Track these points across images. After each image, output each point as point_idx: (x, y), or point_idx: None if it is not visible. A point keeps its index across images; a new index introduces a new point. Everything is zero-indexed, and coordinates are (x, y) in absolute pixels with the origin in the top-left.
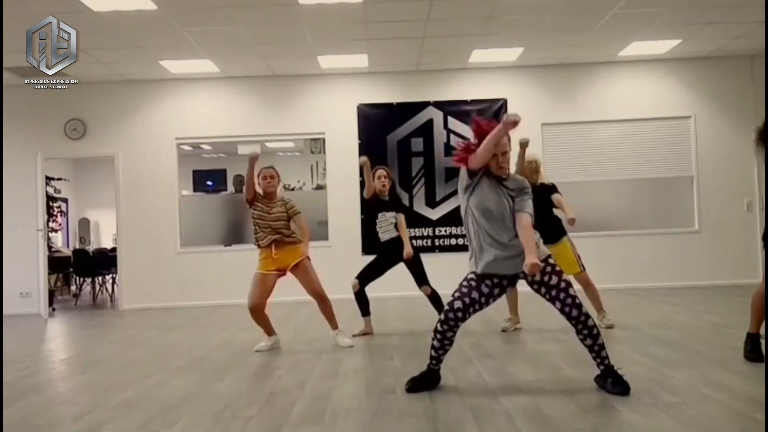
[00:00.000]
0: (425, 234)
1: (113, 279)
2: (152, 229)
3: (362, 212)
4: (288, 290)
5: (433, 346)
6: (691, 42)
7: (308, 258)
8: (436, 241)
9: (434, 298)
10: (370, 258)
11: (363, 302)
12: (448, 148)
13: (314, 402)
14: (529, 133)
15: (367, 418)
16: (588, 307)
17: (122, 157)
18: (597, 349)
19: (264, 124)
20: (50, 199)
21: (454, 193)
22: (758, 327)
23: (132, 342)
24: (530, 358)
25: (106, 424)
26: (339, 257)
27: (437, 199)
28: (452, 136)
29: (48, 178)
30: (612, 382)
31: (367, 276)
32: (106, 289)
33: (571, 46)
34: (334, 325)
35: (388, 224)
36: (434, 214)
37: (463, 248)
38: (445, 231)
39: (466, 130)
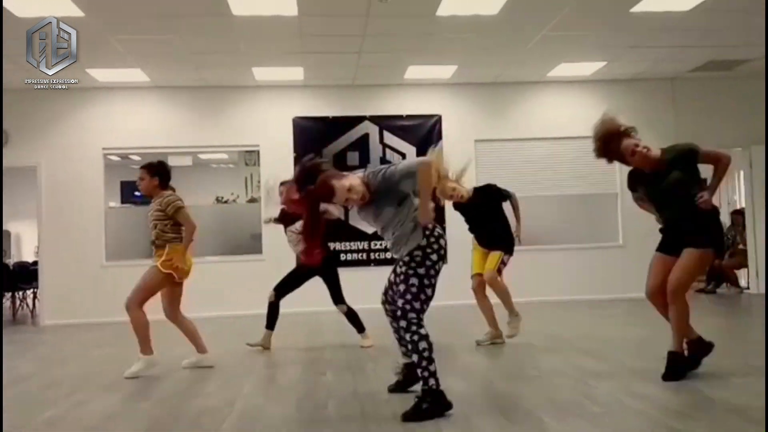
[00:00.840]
0: (360, 248)
1: (34, 294)
2: (76, 241)
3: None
4: (222, 305)
5: (425, 362)
6: (616, 64)
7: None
8: (371, 254)
9: (351, 315)
10: None
11: (273, 315)
12: (384, 163)
13: (244, 420)
14: (463, 149)
15: None
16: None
17: (45, 167)
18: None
19: (197, 135)
20: None
21: None
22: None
23: (54, 359)
24: (462, 370)
25: None
26: (272, 271)
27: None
28: (388, 150)
29: None
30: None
31: (284, 288)
32: (27, 305)
33: (503, 66)
34: (141, 349)
35: (293, 239)
36: (369, 227)
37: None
38: (380, 245)
39: (402, 145)
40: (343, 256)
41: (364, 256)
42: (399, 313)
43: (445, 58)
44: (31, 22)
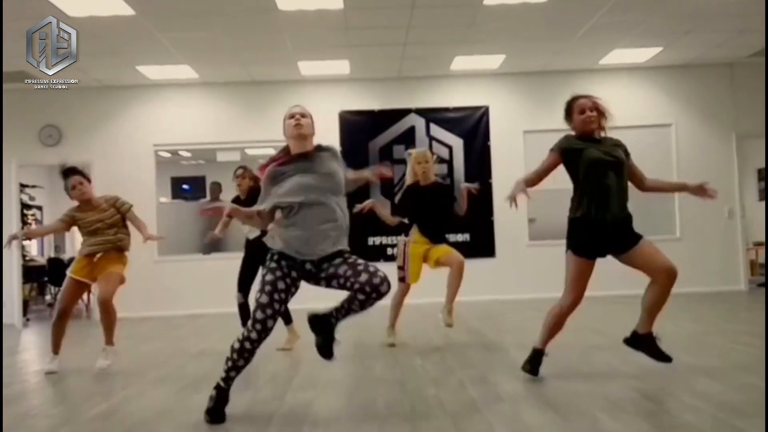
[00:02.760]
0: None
1: (88, 289)
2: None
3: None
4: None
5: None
6: (671, 50)
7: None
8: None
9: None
10: None
11: (245, 314)
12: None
13: (293, 413)
14: (510, 141)
15: (347, 429)
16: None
17: (98, 164)
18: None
19: (244, 130)
20: (24, 206)
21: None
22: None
23: None
24: (511, 367)
25: None
26: None
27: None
28: (434, 143)
29: (22, 186)
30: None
31: (246, 284)
32: (81, 299)
33: (552, 54)
34: (106, 341)
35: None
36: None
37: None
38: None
39: (449, 137)
40: (389, 251)
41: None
42: (386, 287)
43: (493, 48)
44: (83, 21)
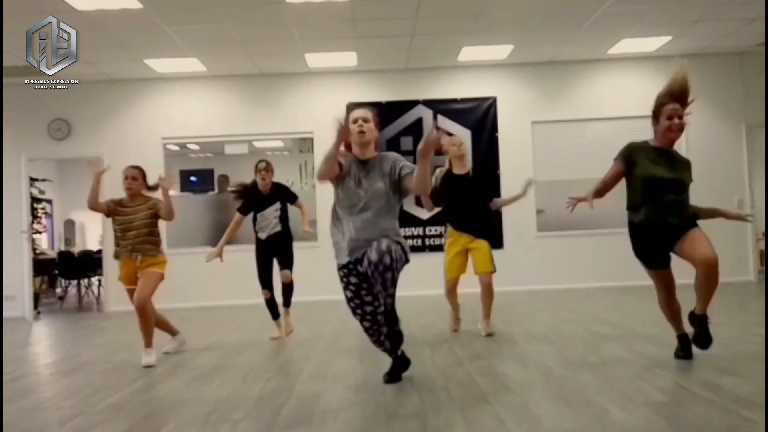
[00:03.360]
0: (415, 234)
1: (99, 281)
2: None
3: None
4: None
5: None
6: (681, 39)
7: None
8: (426, 240)
9: (289, 287)
10: None
11: (274, 307)
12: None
13: (303, 404)
14: (519, 131)
15: (356, 420)
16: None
17: (107, 158)
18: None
19: (252, 123)
20: (34, 200)
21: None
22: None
23: (118, 345)
24: (520, 358)
25: (93, 429)
26: (328, 257)
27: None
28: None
29: (32, 179)
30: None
31: (267, 280)
32: (92, 292)
33: (560, 44)
34: (146, 343)
35: (268, 222)
36: (424, 213)
37: (440, 248)
38: (435, 230)
39: (457, 129)
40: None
41: (420, 242)
42: (388, 309)
43: (501, 38)
44: (91, 15)
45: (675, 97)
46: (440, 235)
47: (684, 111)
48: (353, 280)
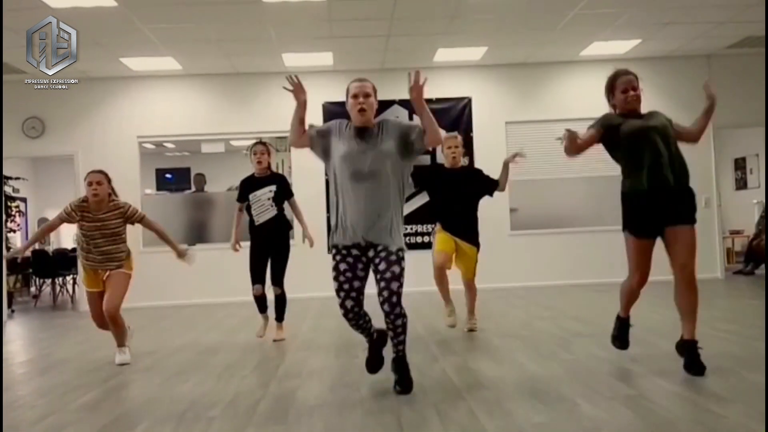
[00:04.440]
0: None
1: (74, 280)
2: None
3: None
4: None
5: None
6: (650, 42)
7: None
8: (411, 238)
9: (281, 300)
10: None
11: (263, 303)
12: None
13: (278, 401)
14: (493, 131)
15: (332, 417)
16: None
17: (82, 156)
18: (395, 342)
19: (228, 121)
20: (8, 198)
21: (421, 190)
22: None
23: (93, 344)
24: (493, 354)
25: (67, 427)
26: (304, 256)
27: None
28: None
29: (6, 177)
30: (397, 377)
31: (260, 274)
32: (67, 290)
33: (534, 46)
34: (119, 344)
35: (261, 204)
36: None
37: (428, 246)
38: (411, 228)
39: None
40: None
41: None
42: (395, 299)
43: (475, 40)
44: (65, 12)
45: (621, 72)
46: (416, 233)
47: (637, 82)
48: (349, 260)
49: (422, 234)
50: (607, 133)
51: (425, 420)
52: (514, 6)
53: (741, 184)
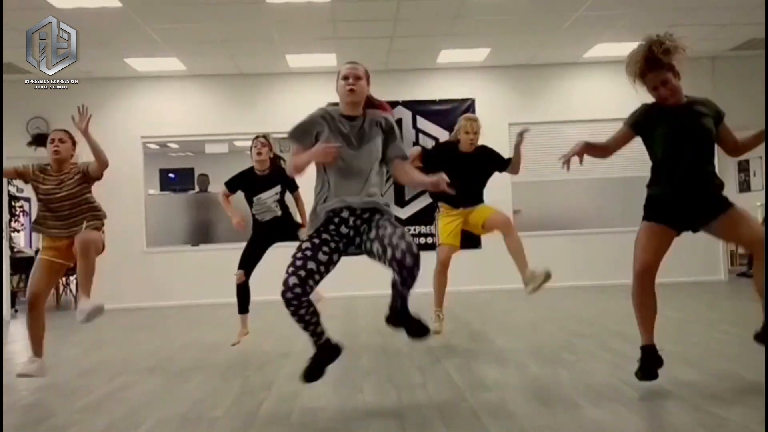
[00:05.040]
0: None
1: (77, 280)
2: (118, 228)
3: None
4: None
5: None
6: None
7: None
8: None
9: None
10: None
11: (246, 297)
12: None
13: (282, 402)
14: (496, 133)
15: (335, 418)
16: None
17: (86, 157)
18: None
19: (232, 122)
20: (12, 198)
21: (424, 192)
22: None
23: (96, 343)
24: (496, 355)
25: (70, 427)
26: None
27: (406, 198)
28: (421, 135)
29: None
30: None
31: (249, 262)
32: (70, 290)
33: (537, 47)
34: (86, 292)
35: (266, 207)
36: (404, 213)
37: (432, 247)
38: (415, 230)
39: (436, 130)
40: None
41: None
42: (415, 250)
43: (478, 41)
44: (70, 13)
45: (650, 65)
46: (419, 234)
47: (669, 74)
48: (323, 236)
49: (424, 235)
50: (640, 131)
51: (428, 421)
52: (517, 7)
53: (744, 186)
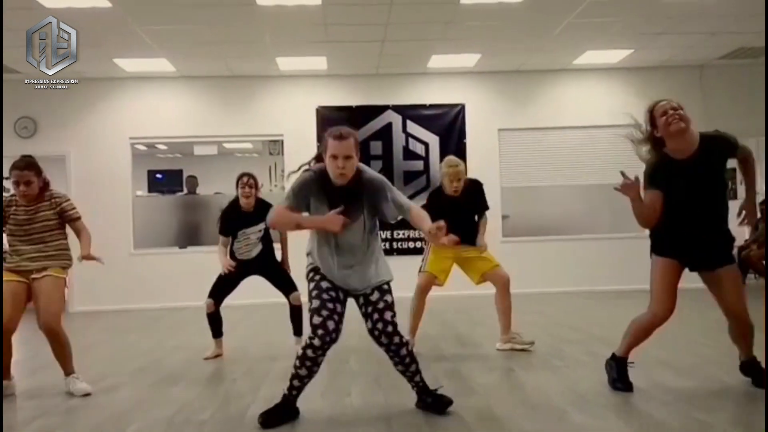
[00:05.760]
0: (383, 237)
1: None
2: (105, 229)
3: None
4: (243, 293)
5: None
6: (643, 52)
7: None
8: (394, 244)
9: (299, 311)
10: None
11: (217, 323)
12: (407, 152)
13: (268, 406)
14: (486, 138)
15: (322, 422)
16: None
17: (74, 157)
18: (410, 375)
19: (222, 124)
20: None
21: (413, 196)
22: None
23: (83, 345)
24: (484, 360)
25: (56, 429)
26: (296, 260)
27: None
28: (411, 139)
29: None
30: (432, 403)
31: (220, 293)
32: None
33: (528, 54)
34: (68, 370)
35: (250, 242)
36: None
37: (420, 251)
38: (404, 234)
39: (425, 134)
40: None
41: (387, 245)
42: (398, 339)
43: (469, 47)
44: (59, 12)
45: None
46: (408, 239)
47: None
48: (325, 284)
49: (413, 240)
50: (661, 186)
51: (415, 426)
52: (508, 14)
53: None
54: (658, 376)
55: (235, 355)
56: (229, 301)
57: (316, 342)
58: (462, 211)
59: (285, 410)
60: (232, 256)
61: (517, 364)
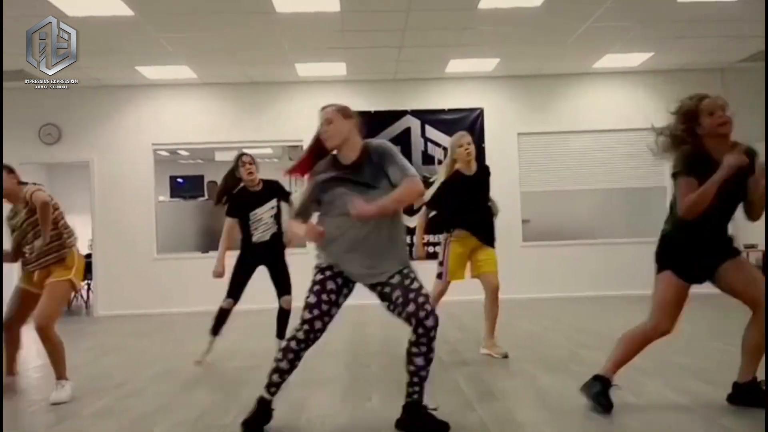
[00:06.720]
0: None
1: (88, 285)
2: (128, 235)
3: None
4: (265, 298)
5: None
6: (663, 55)
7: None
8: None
9: (287, 315)
10: None
11: (223, 321)
12: (426, 157)
13: (290, 410)
14: (505, 142)
15: (343, 426)
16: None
17: (98, 163)
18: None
19: (242, 130)
20: None
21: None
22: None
23: (107, 349)
24: (504, 365)
25: None
26: (302, 264)
27: (415, 207)
28: (430, 144)
29: (22, 183)
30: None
31: (238, 290)
32: (81, 296)
33: (546, 58)
34: (58, 374)
35: (264, 223)
36: (412, 221)
37: (434, 256)
38: (424, 239)
39: (444, 139)
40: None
41: (408, 250)
42: (432, 321)
43: (487, 51)
44: (82, 21)
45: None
46: (428, 243)
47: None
48: (338, 281)
49: (432, 244)
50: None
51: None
52: (525, 19)
53: None
54: (681, 382)
55: (257, 358)
56: (248, 305)
57: (301, 335)
58: (481, 190)
59: (265, 413)
60: (247, 242)
61: (538, 369)
